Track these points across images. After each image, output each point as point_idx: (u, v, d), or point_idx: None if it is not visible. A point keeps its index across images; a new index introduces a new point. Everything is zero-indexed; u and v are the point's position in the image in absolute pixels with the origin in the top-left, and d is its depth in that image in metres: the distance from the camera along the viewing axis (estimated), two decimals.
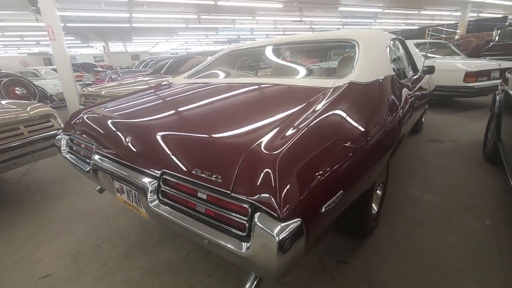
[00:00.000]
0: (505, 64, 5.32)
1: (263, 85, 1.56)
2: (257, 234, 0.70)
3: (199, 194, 0.89)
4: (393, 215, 1.96)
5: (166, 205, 0.99)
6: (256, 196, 0.73)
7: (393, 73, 1.73)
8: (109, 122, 1.37)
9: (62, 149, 1.68)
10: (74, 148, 1.61)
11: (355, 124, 1.07)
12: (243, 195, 0.76)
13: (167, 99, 1.64)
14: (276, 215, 0.69)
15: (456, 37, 11.35)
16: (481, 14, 16.41)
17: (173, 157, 0.99)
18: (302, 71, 1.93)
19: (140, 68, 9.84)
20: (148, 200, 1.01)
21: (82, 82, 9.28)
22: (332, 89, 1.29)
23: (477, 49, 9.31)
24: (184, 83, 2.10)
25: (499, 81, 5.24)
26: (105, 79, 7.46)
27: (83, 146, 1.52)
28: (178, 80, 2.23)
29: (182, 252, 1.70)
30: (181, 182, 0.94)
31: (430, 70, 2.90)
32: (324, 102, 1.11)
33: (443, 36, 12.11)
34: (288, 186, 0.71)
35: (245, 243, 0.73)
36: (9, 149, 2.12)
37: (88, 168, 1.39)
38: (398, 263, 1.52)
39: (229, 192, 0.79)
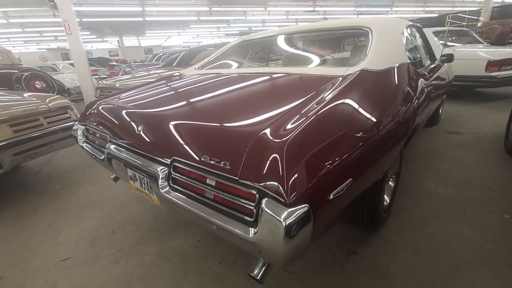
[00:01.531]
0: None
1: (273, 75, 1.55)
2: (264, 219, 0.70)
3: (208, 181, 0.91)
4: (406, 208, 1.92)
5: (176, 191, 1.01)
6: (264, 182, 0.74)
7: (408, 61, 1.67)
8: (122, 112, 1.41)
9: (78, 138, 1.74)
10: (90, 137, 1.66)
11: (365, 112, 1.05)
12: (251, 181, 0.77)
13: (178, 89, 1.66)
14: (283, 200, 0.69)
15: (479, 24, 10.77)
16: (506, 0, 15.45)
17: (183, 144, 1.00)
18: (314, 60, 1.90)
19: (153, 62, 9.95)
20: (159, 186, 1.04)
21: (97, 76, 9.54)
22: (342, 77, 1.27)
23: (502, 37, 8.82)
24: (195, 74, 2.11)
25: None
26: (119, 73, 7.61)
27: (98, 135, 1.57)
28: (189, 71, 2.24)
29: (193, 240, 1.74)
30: (190, 169, 0.96)
31: (449, 58, 2.78)
32: (333, 90, 1.09)
33: (464, 23, 11.51)
34: (295, 172, 0.71)
35: (253, 228, 0.74)
36: (30, 139, 2.22)
37: (103, 157, 1.44)
38: (409, 256, 1.50)
39: (237, 178, 0.80)
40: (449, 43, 5.59)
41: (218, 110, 1.14)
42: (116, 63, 12.57)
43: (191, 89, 1.62)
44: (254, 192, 0.76)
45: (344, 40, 2.56)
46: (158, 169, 1.06)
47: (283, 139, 0.78)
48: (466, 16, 12.51)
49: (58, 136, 2.45)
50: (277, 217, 0.67)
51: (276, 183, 0.71)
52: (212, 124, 1.00)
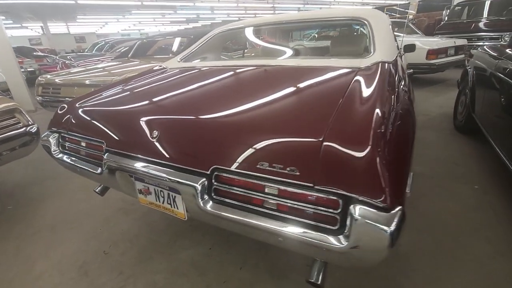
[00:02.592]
0: (459, 42, 5.84)
1: (285, 67, 1.48)
2: (359, 227, 0.66)
3: (267, 190, 0.82)
4: None
5: (223, 204, 0.90)
6: (351, 187, 0.69)
7: (398, 52, 1.77)
8: (123, 115, 1.19)
9: (52, 149, 1.43)
10: (71, 147, 1.38)
11: (402, 104, 1.07)
12: (332, 187, 0.71)
13: (186, 85, 1.47)
14: (380, 205, 0.66)
15: (410, 16, 12.07)
16: None
17: (227, 151, 0.89)
18: (321, 51, 1.87)
19: (93, 52, 8.81)
20: (200, 200, 0.91)
21: (23, 70, 8.03)
22: (362, 69, 1.27)
23: (429, 28, 10.03)
24: (182, 67, 1.91)
25: (454, 57, 5.77)
26: (56, 66, 6.54)
27: (84, 144, 1.31)
28: (172, 64, 2.02)
29: (203, 248, 1.62)
30: (241, 178, 0.86)
31: (411, 48, 3.04)
32: (369, 83, 1.09)
33: (397, 15, 12.80)
34: (385, 172, 0.68)
35: (341, 238, 0.70)
36: None
37: (99, 170, 1.21)
38: (414, 233, 1.63)
39: (312, 185, 0.74)
40: (395, 33, 6.15)
41: (256, 109, 1.03)
42: (43, 54, 10.74)
43: (203, 84, 1.44)
44: (336, 198, 0.72)
45: (340, 30, 2.58)
46: (192, 181, 0.92)
47: (362, 138, 0.74)
48: (398, 8, 13.91)
49: (6, 147, 2.00)
50: (379, 225, 0.64)
51: (368, 187, 0.67)
52: (261, 124, 0.91)
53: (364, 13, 1.71)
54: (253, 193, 0.85)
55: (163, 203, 1.13)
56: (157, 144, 1.05)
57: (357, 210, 0.67)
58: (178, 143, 1.01)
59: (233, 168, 0.86)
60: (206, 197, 0.92)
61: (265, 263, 1.48)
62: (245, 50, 2.95)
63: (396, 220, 0.64)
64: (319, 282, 0.88)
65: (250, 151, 0.85)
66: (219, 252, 1.59)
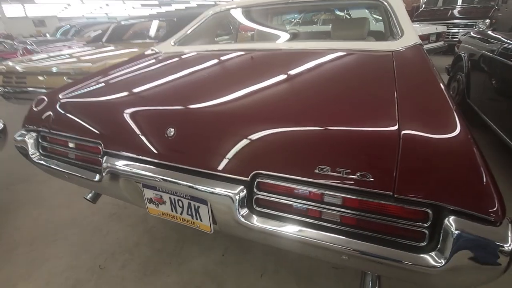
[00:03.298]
0: (440, 28, 5.96)
1: (308, 51, 1.31)
2: (460, 247, 0.54)
3: (327, 199, 0.67)
4: None
5: (266, 216, 0.74)
6: (445, 196, 0.56)
7: None
8: (125, 108, 0.97)
9: (30, 152, 1.17)
10: (56, 149, 1.14)
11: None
12: (418, 196, 0.58)
13: (195, 72, 1.25)
14: (490, 218, 0.54)
15: None
16: None
17: (271, 152, 0.72)
18: (346, 34, 1.70)
19: (58, 37, 7.96)
20: (238, 213, 0.74)
21: None
22: (396, 52, 1.15)
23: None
24: (183, 51, 1.67)
25: (436, 44, 5.89)
26: (16, 52, 5.80)
27: (73, 145, 1.08)
28: (167, 48, 1.76)
29: (215, 255, 1.46)
30: (291, 185, 0.70)
31: None
32: (414, 65, 0.97)
33: None
34: (487, 174, 0.56)
35: (434, 256, 0.57)
36: None
37: (97, 177, 0.99)
38: None
39: (391, 193, 0.60)
40: None
41: (303, 99, 0.86)
42: None
43: (223, 72, 1.23)
44: (424, 209, 0.59)
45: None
46: (228, 190, 0.75)
47: (452, 130, 0.61)
48: None
49: None
50: (496, 241, 0.52)
51: (473, 195, 0.55)
52: (314, 118, 0.74)
53: None
54: (308, 203, 0.70)
55: (181, 214, 0.94)
56: (174, 144, 0.85)
57: (458, 223, 0.55)
58: (203, 144, 0.82)
59: (281, 174, 0.70)
60: (245, 208, 0.76)
61: (287, 269, 1.36)
62: (244, 34, 2.72)
63: (510, 234, 0.53)
64: None
65: (304, 152, 0.69)
66: (234, 258, 1.44)
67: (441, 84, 0.82)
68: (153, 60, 1.52)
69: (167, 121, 0.87)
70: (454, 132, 0.62)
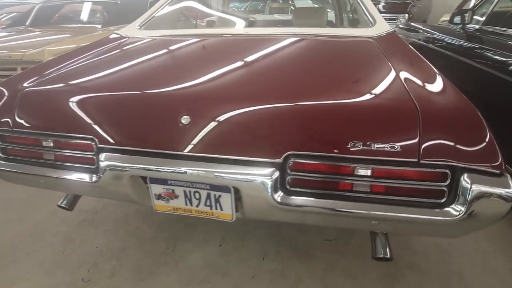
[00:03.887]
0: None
1: (304, 37, 1.35)
2: (476, 195, 0.65)
3: (358, 171, 0.73)
4: None
5: (299, 195, 0.77)
6: (461, 157, 0.67)
7: None
8: (121, 97, 0.86)
9: None
10: (23, 150, 0.95)
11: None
12: (440, 160, 0.68)
13: (194, 56, 1.19)
14: (495, 171, 0.66)
15: None
16: None
17: (304, 133, 0.74)
18: (320, 20, 1.75)
19: None
20: (274, 195, 0.75)
21: None
22: (376, 38, 1.27)
23: None
24: (157, 35, 1.53)
25: None
26: None
27: (51, 144, 0.92)
28: (133, 32, 1.59)
29: (212, 247, 1.43)
30: (325, 162, 0.74)
31: None
32: (398, 48, 1.09)
33: None
34: (491, 136, 0.68)
35: (454, 208, 0.68)
36: None
37: (94, 178, 0.87)
38: None
39: (416, 160, 0.69)
40: None
41: (318, 82, 0.88)
42: None
43: (224, 55, 1.20)
44: (444, 170, 0.69)
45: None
46: (262, 174, 0.75)
47: (460, 106, 0.71)
48: None
49: None
50: (501, 190, 0.64)
51: (481, 154, 0.66)
52: (335, 98, 0.78)
53: None
54: (341, 177, 0.75)
55: (197, 206, 0.90)
56: (191, 132, 0.80)
57: (472, 179, 0.66)
58: (227, 130, 0.79)
59: (316, 152, 0.73)
60: (279, 191, 0.77)
61: (286, 248, 1.42)
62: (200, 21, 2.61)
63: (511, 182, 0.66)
64: (388, 256, 0.87)
65: (337, 130, 0.73)
66: (232, 247, 1.43)
67: (429, 63, 0.94)
68: (130, 45, 1.37)
69: (180, 107, 0.81)
70: (459, 103, 0.73)
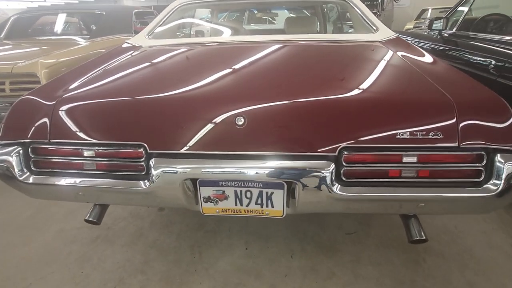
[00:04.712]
0: None
1: (305, 43, 1.43)
2: (508, 173, 0.76)
3: (405, 159, 0.81)
4: None
5: (355, 185, 0.83)
6: (495, 139, 0.77)
7: None
8: (179, 105, 0.89)
9: (16, 173, 0.91)
10: (61, 162, 0.91)
11: None
12: (477, 143, 0.78)
13: (230, 61, 1.23)
14: None
15: None
16: None
17: (355, 127, 0.81)
18: (323, 27, 1.85)
19: None
20: (332, 187, 0.80)
21: None
22: (383, 42, 1.40)
23: None
24: (167, 44, 1.54)
25: None
26: None
27: (93, 154, 0.89)
28: (144, 42, 1.58)
29: (239, 251, 1.44)
30: (375, 152, 0.81)
31: None
32: (409, 51, 1.21)
33: None
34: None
35: (492, 185, 0.78)
36: None
37: (145, 185, 0.86)
38: None
39: (457, 145, 0.78)
40: None
41: (355, 84, 0.95)
42: None
43: (254, 62, 1.24)
44: (481, 153, 0.78)
45: (321, 7, 2.57)
46: (320, 168, 0.80)
47: (483, 91, 0.83)
48: None
49: None
50: None
51: (508, 136, 0.77)
52: (376, 96, 0.87)
53: None
54: (391, 165, 0.82)
55: (247, 205, 0.93)
56: (246, 132, 0.83)
57: (507, 158, 0.77)
58: (281, 128, 0.83)
59: (368, 144, 0.80)
60: (336, 183, 0.82)
61: (311, 245, 1.46)
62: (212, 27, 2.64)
63: None
64: (424, 237, 0.95)
65: (385, 124, 0.81)
66: (258, 249, 1.45)
67: (442, 60, 1.07)
68: (149, 53, 1.37)
69: (236, 109, 0.84)
70: (484, 93, 0.85)
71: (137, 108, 0.90)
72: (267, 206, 0.91)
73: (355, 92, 0.89)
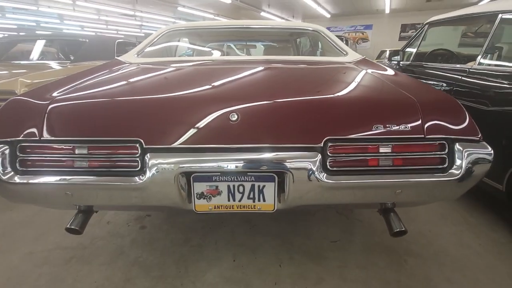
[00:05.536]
0: None
1: (287, 63, 1.59)
2: (470, 159, 0.88)
3: (381, 149, 0.91)
4: None
5: (341, 174, 0.90)
6: (454, 132, 0.91)
7: None
8: (167, 103, 0.92)
9: (2, 172, 0.88)
10: (50, 160, 0.90)
11: None
12: (439, 134, 0.90)
13: (216, 74, 1.31)
14: (477, 138, 0.91)
15: None
16: None
17: (338, 120, 0.91)
18: (295, 51, 2.04)
19: None
20: (318, 176, 0.87)
21: None
22: (354, 62, 1.60)
23: None
24: (148, 62, 1.63)
25: None
26: None
27: (85, 151, 0.90)
28: (133, 59, 1.66)
29: (226, 263, 1.41)
30: (356, 143, 0.90)
31: None
32: (377, 68, 1.40)
33: None
34: (470, 115, 0.95)
35: (453, 171, 0.89)
36: None
37: (141, 179, 0.87)
38: None
39: (423, 135, 0.90)
40: None
41: (338, 90, 1.08)
42: None
43: (243, 75, 1.32)
44: (444, 142, 0.91)
45: (296, 38, 2.81)
46: (308, 158, 0.88)
47: (443, 95, 0.98)
48: None
49: None
50: (484, 150, 0.88)
51: (467, 128, 0.91)
52: (358, 96, 1.01)
53: (312, 25, 2.08)
54: (369, 155, 0.92)
55: (239, 200, 0.96)
56: (239, 127, 0.90)
57: (464, 146, 0.90)
58: (272, 122, 0.91)
59: (349, 135, 0.90)
60: (323, 172, 0.89)
61: (298, 254, 1.47)
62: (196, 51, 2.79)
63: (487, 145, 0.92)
64: (404, 228, 1.03)
65: (363, 118, 0.92)
66: (247, 260, 1.43)
67: (402, 73, 1.26)
68: (139, 65, 1.44)
69: (229, 107, 0.91)
70: (440, 95, 1.01)
71: (133, 105, 0.94)
72: (259, 200, 0.95)
73: (336, 94, 1.02)
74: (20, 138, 0.89)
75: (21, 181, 0.88)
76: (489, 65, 1.82)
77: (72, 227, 1.04)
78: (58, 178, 0.89)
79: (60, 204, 0.99)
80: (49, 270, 1.35)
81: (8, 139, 0.90)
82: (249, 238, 1.59)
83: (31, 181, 0.88)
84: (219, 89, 1.06)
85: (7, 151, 0.89)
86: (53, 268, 1.37)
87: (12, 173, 0.89)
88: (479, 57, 1.86)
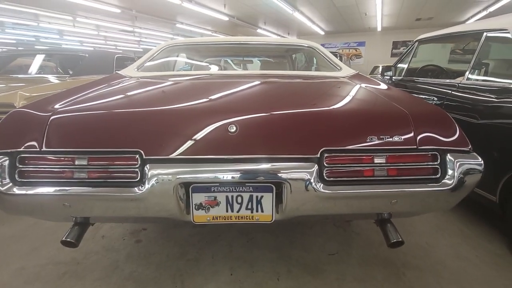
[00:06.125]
0: None
1: (291, 78, 1.65)
2: (462, 169, 0.91)
3: (375, 160, 0.93)
4: None
5: (337, 184, 0.92)
6: (445, 143, 0.93)
7: None
8: (168, 115, 0.95)
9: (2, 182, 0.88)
10: (50, 171, 0.90)
11: None
12: (430, 145, 0.93)
13: (213, 87, 1.35)
14: (467, 149, 0.94)
15: None
16: None
17: (334, 132, 0.94)
18: (291, 67, 2.10)
19: None
20: (317, 186, 0.88)
21: None
22: (348, 77, 1.65)
23: None
24: (147, 76, 1.67)
25: None
26: None
27: (85, 162, 0.91)
28: (134, 73, 1.69)
29: (223, 277, 1.39)
30: (351, 154, 0.93)
31: None
32: (369, 82, 1.46)
33: None
34: (460, 128, 0.98)
35: (446, 180, 0.91)
36: None
37: (140, 190, 0.87)
38: None
39: (415, 146, 0.93)
40: None
41: (342, 101, 1.12)
42: None
43: (239, 88, 1.35)
44: (436, 153, 0.94)
45: (291, 54, 2.90)
46: (305, 168, 0.90)
47: (434, 107, 1.02)
48: None
49: None
50: (475, 161, 0.91)
51: (458, 140, 0.94)
52: (354, 108, 1.05)
53: (307, 42, 2.16)
54: (364, 165, 0.94)
55: (238, 211, 0.97)
56: (237, 138, 0.92)
57: (455, 157, 0.93)
58: (270, 133, 0.94)
59: (345, 146, 0.92)
60: (320, 182, 0.91)
61: (296, 267, 1.46)
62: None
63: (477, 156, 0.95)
64: (401, 239, 1.04)
65: (358, 129, 0.95)
66: (244, 274, 1.41)
67: (396, 88, 1.30)
68: (139, 79, 1.48)
69: (228, 119, 0.94)
70: (432, 108, 1.04)
71: (133, 117, 0.96)
72: (257, 211, 0.96)
73: (332, 107, 1.05)
74: (21, 149, 0.90)
75: (20, 192, 0.88)
76: (477, 80, 1.89)
77: (68, 239, 1.03)
78: (57, 189, 0.89)
79: (57, 216, 0.98)
80: (41, 286, 1.32)
81: (8, 150, 0.90)
82: (246, 251, 1.57)
83: (29, 192, 0.88)
84: (218, 101, 1.09)
85: (6, 162, 0.90)
86: (45, 284, 1.33)
87: (11, 184, 0.89)
88: (467, 72, 1.94)
